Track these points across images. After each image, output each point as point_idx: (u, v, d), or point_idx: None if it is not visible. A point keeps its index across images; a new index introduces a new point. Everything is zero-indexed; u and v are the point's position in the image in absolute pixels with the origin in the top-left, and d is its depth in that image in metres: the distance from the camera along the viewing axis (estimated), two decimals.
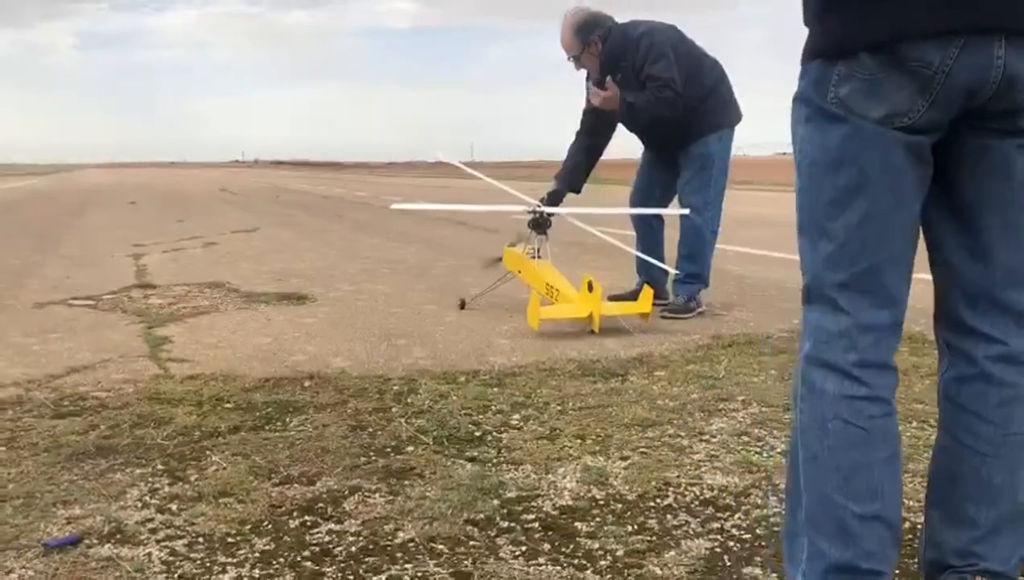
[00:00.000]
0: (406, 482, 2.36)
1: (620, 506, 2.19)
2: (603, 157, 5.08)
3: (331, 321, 4.68)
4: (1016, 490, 1.53)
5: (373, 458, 2.55)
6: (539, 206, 4.75)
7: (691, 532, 2.05)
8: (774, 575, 1.83)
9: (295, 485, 2.35)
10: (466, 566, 1.89)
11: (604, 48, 4.58)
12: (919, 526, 1.84)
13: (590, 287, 4.19)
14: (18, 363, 3.77)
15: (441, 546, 1.98)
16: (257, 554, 1.96)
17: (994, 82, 1.33)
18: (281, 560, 1.93)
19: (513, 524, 2.10)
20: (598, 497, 2.25)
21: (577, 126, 4.94)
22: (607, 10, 4.72)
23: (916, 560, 1.77)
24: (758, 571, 1.86)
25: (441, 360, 3.74)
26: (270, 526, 2.10)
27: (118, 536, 2.06)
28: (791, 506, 1.58)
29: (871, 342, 1.45)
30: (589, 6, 4.71)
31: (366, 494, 2.29)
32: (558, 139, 5.02)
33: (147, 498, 2.28)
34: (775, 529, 2.02)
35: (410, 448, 2.63)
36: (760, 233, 8.84)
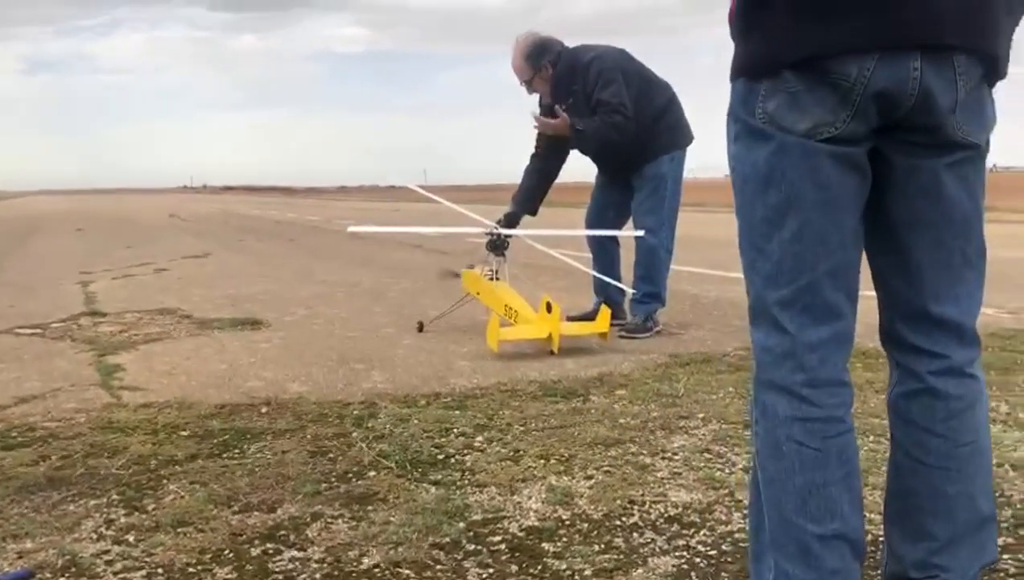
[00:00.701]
0: (369, 507, 2.33)
1: (586, 525, 2.19)
2: (557, 180, 5.12)
3: (287, 346, 4.62)
4: (972, 499, 1.54)
5: (335, 484, 2.52)
6: (496, 228, 4.77)
7: (657, 550, 2.04)
8: None
9: (256, 513, 2.30)
10: None
11: (554, 73, 4.63)
12: (881, 538, 1.87)
13: (548, 308, 4.20)
14: None
15: (407, 571, 1.96)
16: None
17: (912, 94, 1.35)
18: None
19: (479, 547, 2.08)
20: (564, 517, 2.24)
21: (532, 149, 4.97)
22: (558, 35, 4.77)
23: (880, 572, 1.79)
24: None
25: (401, 383, 3.72)
26: (231, 555, 2.05)
27: (72, 569, 2.00)
28: (755, 527, 1.59)
29: (818, 360, 1.45)
30: (539, 31, 4.76)
31: (329, 520, 2.25)
32: (511, 163, 5.04)
33: (102, 529, 2.21)
34: (740, 545, 2.03)
35: (372, 473, 2.59)
36: (714, 253, 8.94)
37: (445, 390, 3.57)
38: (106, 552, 2.08)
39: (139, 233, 16.54)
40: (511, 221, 4.84)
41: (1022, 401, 3.21)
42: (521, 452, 2.75)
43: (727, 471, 2.54)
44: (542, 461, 2.67)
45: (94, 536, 2.17)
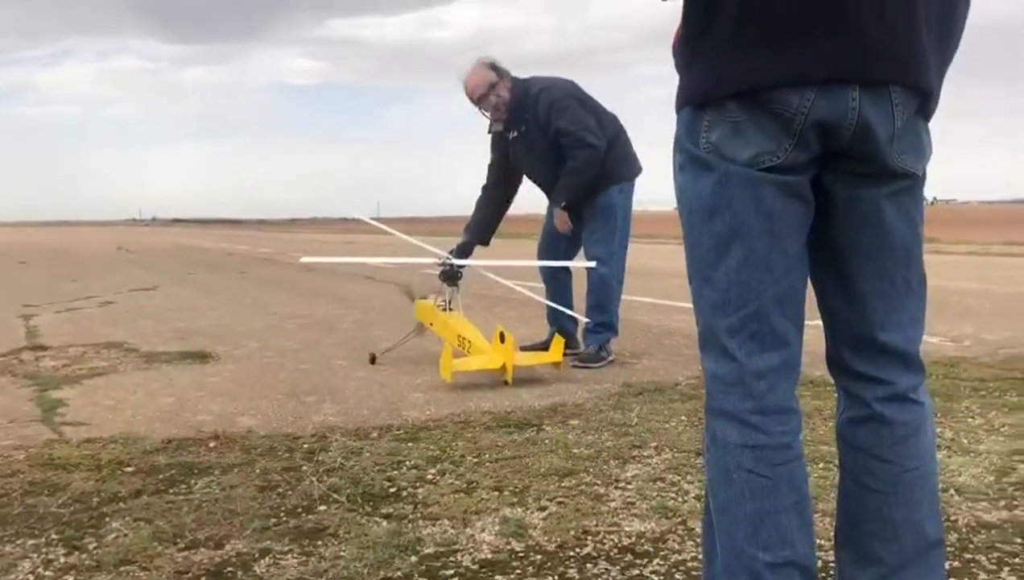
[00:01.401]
0: (319, 542, 2.28)
1: (540, 557, 2.17)
2: (509, 212, 5.15)
3: (236, 379, 4.55)
4: (919, 524, 1.56)
5: (284, 519, 2.46)
6: (449, 258, 4.76)
7: None
8: None
9: (202, 549, 2.24)
10: None
11: (511, 96, 4.64)
12: (832, 564, 1.88)
13: (502, 338, 4.19)
14: None
15: None
16: None
17: (851, 124, 1.38)
18: None
19: None
20: (517, 549, 2.22)
21: (484, 180, 4.99)
22: (510, 70, 4.80)
23: None
24: None
25: (353, 416, 3.67)
26: None
27: None
28: (708, 555, 1.59)
29: (766, 387, 1.46)
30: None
31: (278, 556, 2.20)
32: (466, 195, 5.06)
33: (41, 570, 2.14)
34: (694, 574, 2.03)
35: (322, 507, 2.55)
36: (665, 283, 9.04)
37: (397, 422, 3.53)
38: None
39: (85, 266, 16.22)
40: (464, 251, 4.84)
41: (965, 427, 3.28)
42: (474, 484, 2.73)
43: (680, 500, 2.54)
44: (495, 493, 2.65)
45: (32, 577, 2.10)
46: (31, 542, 2.31)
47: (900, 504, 1.54)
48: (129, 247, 26.30)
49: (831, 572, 1.89)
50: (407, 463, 2.94)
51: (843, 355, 1.57)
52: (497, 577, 2.06)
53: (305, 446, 3.18)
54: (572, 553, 2.19)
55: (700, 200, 1.46)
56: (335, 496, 2.63)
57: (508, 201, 5.05)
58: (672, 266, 12.00)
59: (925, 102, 1.45)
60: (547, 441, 3.20)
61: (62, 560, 2.20)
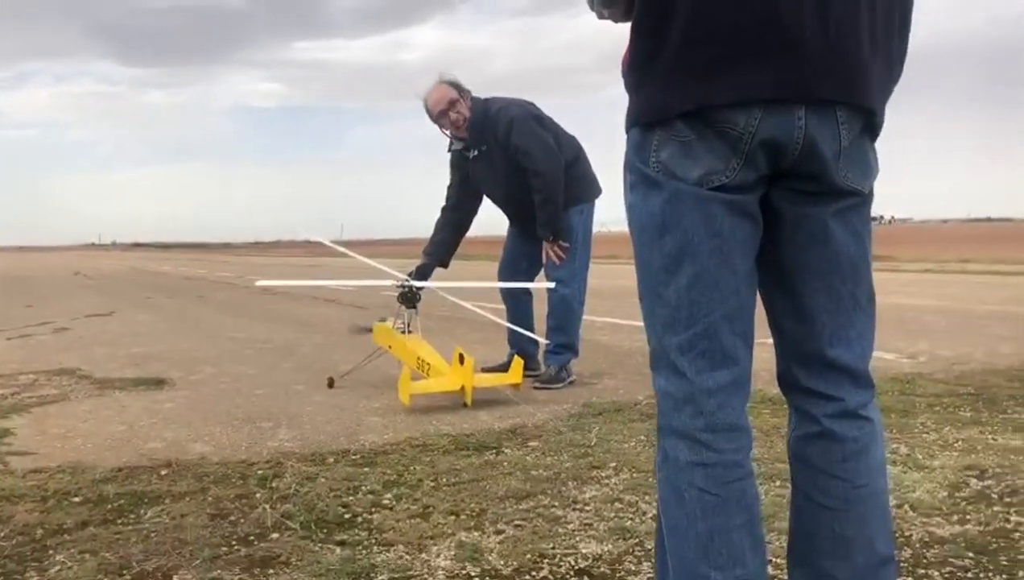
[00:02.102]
0: (271, 571, 2.23)
1: None
2: (469, 233, 5.14)
3: (191, 405, 4.46)
4: (871, 540, 1.56)
5: (235, 547, 2.41)
6: (407, 280, 4.73)
7: None
8: None
9: None
10: None
11: (469, 117, 4.64)
12: None
13: (461, 360, 4.16)
14: None
15: None
16: None
17: (798, 143, 1.39)
18: None
19: None
20: (473, 574, 2.19)
21: (443, 202, 4.98)
22: (475, 92, 4.80)
23: None
24: None
25: (309, 441, 3.61)
26: None
27: None
28: (660, 574, 1.58)
29: (716, 405, 1.46)
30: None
31: None
32: (430, 217, 5.04)
33: None
34: None
35: (275, 535, 2.50)
36: (626, 303, 9.05)
37: (354, 447, 3.48)
38: None
39: (41, 291, 15.92)
40: (423, 273, 4.82)
41: (921, 442, 3.31)
42: (431, 508, 2.69)
43: (637, 520, 2.53)
44: (452, 517, 2.61)
45: None
46: None
47: (852, 521, 1.55)
48: (87, 272, 25.89)
49: None
50: (363, 488, 2.90)
51: (793, 372, 1.57)
52: None
53: (259, 472, 3.12)
54: (528, 577, 2.17)
55: (650, 218, 1.46)
56: (288, 523, 2.58)
57: (467, 223, 5.04)
58: (634, 286, 11.99)
59: (870, 121, 1.46)
60: (506, 463, 3.17)
61: None
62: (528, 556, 2.28)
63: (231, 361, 6.04)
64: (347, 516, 2.64)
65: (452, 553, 2.32)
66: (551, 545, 2.36)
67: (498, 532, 2.48)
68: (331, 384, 4.82)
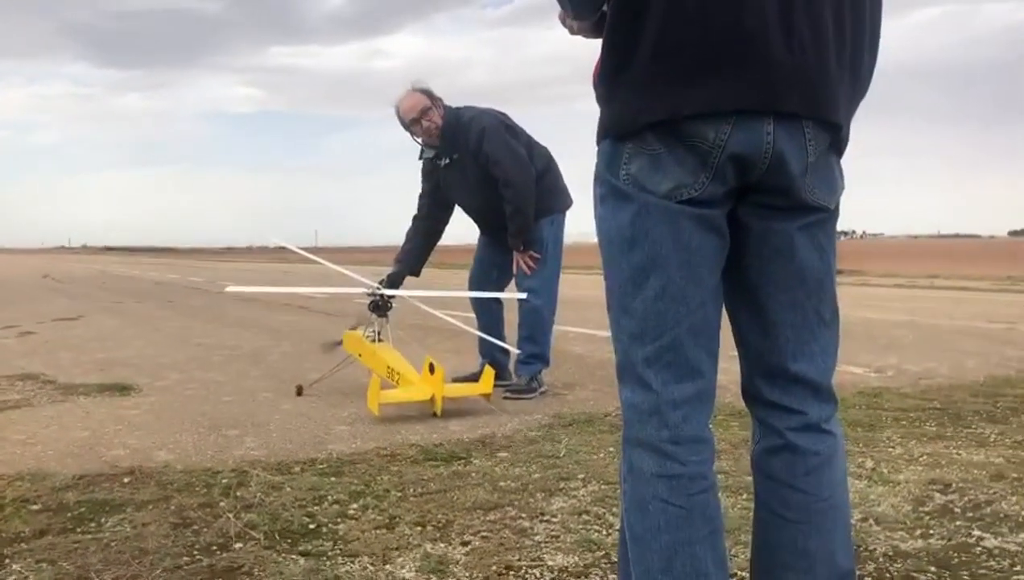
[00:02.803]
0: None
1: None
2: (441, 242, 5.13)
3: (156, 412, 4.40)
4: (832, 554, 1.57)
5: (197, 557, 2.37)
6: (378, 289, 4.71)
7: None
8: None
9: None
10: None
11: (442, 125, 4.64)
12: None
13: (431, 369, 4.14)
14: None
15: None
16: None
17: (766, 156, 1.41)
18: None
19: None
20: None
21: (415, 210, 4.97)
22: (451, 103, 4.80)
23: None
24: None
25: (275, 450, 3.58)
26: None
27: None
28: None
29: (681, 417, 1.47)
30: None
31: None
32: (404, 224, 5.02)
33: None
34: None
35: (238, 545, 2.46)
36: (598, 314, 9.07)
37: (321, 456, 3.45)
38: None
39: (7, 294, 15.68)
40: (394, 282, 4.79)
41: (886, 456, 3.33)
42: (397, 519, 2.67)
43: (604, 533, 2.52)
44: (418, 528, 2.59)
45: None
46: None
47: (813, 534, 1.56)
48: (55, 275, 25.55)
49: None
50: (329, 498, 2.87)
51: (756, 385, 1.58)
52: None
53: (224, 481, 3.08)
54: None
55: (619, 231, 1.47)
56: (252, 533, 2.54)
57: (439, 231, 5.03)
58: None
59: (836, 137, 1.48)
60: (474, 474, 3.15)
61: None
62: (494, 568, 2.27)
63: (199, 367, 5.98)
64: (312, 526, 2.61)
65: (417, 564, 2.30)
66: (517, 557, 2.35)
67: (464, 543, 2.46)
68: (300, 392, 4.78)
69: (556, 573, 2.24)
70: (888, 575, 2.20)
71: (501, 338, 4.91)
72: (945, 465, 3.20)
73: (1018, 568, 2.24)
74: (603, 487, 2.96)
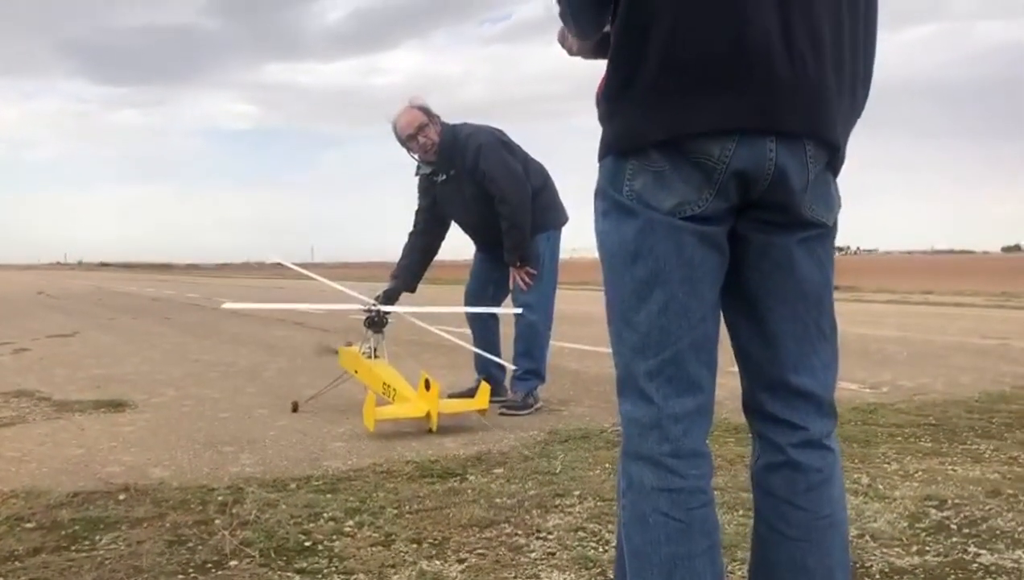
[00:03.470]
0: None
1: None
2: (438, 257, 5.14)
3: (151, 429, 4.39)
4: (830, 572, 1.57)
5: (192, 575, 2.37)
6: (374, 305, 4.71)
7: None
8: None
9: None
10: None
11: (439, 142, 4.66)
12: None
13: (427, 385, 4.14)
14: None
15: None
16: None
17: (768, 172, 1.42)
18: None
19: None
20: None
21: (411, 226, 4.98)
22: (447, 119, 4.82)
23: None
24: None
25: (271, 466, 3.57)
26: None
27: None
28: None
29: (682, 431, 1.47)
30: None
31: None
32: (401, 240, 5.03)
33: None
34: None
35: (233, 562, 2.46)
36: (595, 330, 9.08)
37: (317, 472, 3.44)
38: None
39: (1, 311, 15.64)
40: (390, 298, 4.80)
41: (882, 472, 3.33)
42: (393, 536, 2.66)
43: (600, 549, 2.52)
44: (414, 545, 2.59)
45: None
46: None
47: (813, 551, 1.56)
48: (50, 291, 25.51)
49: None
50: (325, 515, 2.86)
51: (758, 398, 1.59)
52: None
53: (219, 498, 3.07)
54: None
55: (623, 245, 1.48)
56: (247, 551, 2.54)
57: (435, 247, 5.04)
58: (602, 312, 12.04)
59: (833, 156, 1.50)
60: (470, 491, 3.15)
61: None
62: None
63: (194, 384, 5.97)
64: (308, 543, 2.60)
65: None
66: (513, 574, 2.34)
67: (460, 561, 2.46)
68: (295, 408, 4.78)
69: None
70: None
71: (497, 354, 4.91)
72: (941, 481, 3.20)
73: None
74: (599, 504, 2.96)
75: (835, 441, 1.60)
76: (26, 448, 3.96)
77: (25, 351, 8.29)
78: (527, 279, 4.68)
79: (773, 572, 1.59)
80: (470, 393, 4.54)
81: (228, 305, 5.63)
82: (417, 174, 4.89)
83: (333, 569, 2.40)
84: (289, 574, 2.36)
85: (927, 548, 2.51)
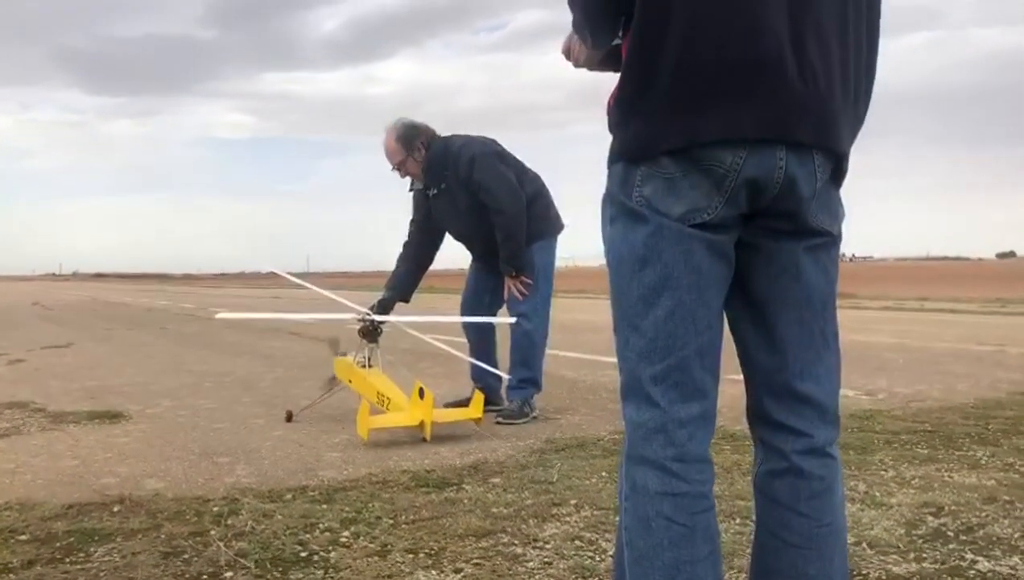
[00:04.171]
0: None
1: None
2: (433, 267, 5.14)
3: (147, 440, 4.38)
4: (830, 579, 1.57)
5: None
6: (368, 314, 4.71)
7: None
8: None
9: None
10: None
11: (427, 155, 4.69)
12: None
13: (421, 394, 4.14)
14: None
15: None
16: None
17: (778, 181, 1.44)
18: None
19: None
20: None
21: (405, 237, 4.98)
22: (443, 128, 4.84)
23: None
24: None
25: (266, 477, 3.56)
26: None
27: None
28: None
29: (687, 436, 1.48)
30: (410, 117, 4.84)
31: None
32: (396, 250, 5.04)
33: None
34: None
35: (229, 574, 2.45)
36: (591, 338, 9.09)
37: (313, 483, 3.43)
38: None
39: None
40: (384, 307, 4.80)
41: (879, 480, 3.33)
42: (389, 547, 2.65)
43: (597, 559, 2.51)
44: (410, 555, 2.58)
45: None
46: None
47: (814, 559, 1.56)
48: (45, 302, 25.46)
49: None
50: (320, 526, 2.85)
51: (763, 404, 1.59)
52: None
53: (215, 509, 3.06)
54: None
55: (632, 251, 1.49)
56: (242, 562, 2.52)
57: (429, 258, 5.04)
58: (599, 320, 12.11)
59: (838, 167, 1.52)
60: (466, 500, 3.14)
61: None
62: None
63: (190, 394, 5.95)
64: (303, 554, 2.59)
65: None
66: None
67: (457, 571, 2.45)
68: (289, 418, 4.77)
69: None
70: None
71: (493, 363, 4.91)
72: (937, 488, 3.20)
73: None
74: (596, 513, 2.95)
75: (836, 449, 1.60)
76: (20, 460, 3.94)
77: (20, 362, 8.27)
78: (522, 289, 4.68)
79: (773, 579, 1.59)
80: (466, 402, 4.53)
81: (222, 315, 5.62)
82: (411, 189, 4.92)
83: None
84: None
85: (924, 555, 2.50)
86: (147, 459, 3.92)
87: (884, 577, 2.34)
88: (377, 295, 4.97)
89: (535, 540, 2.70)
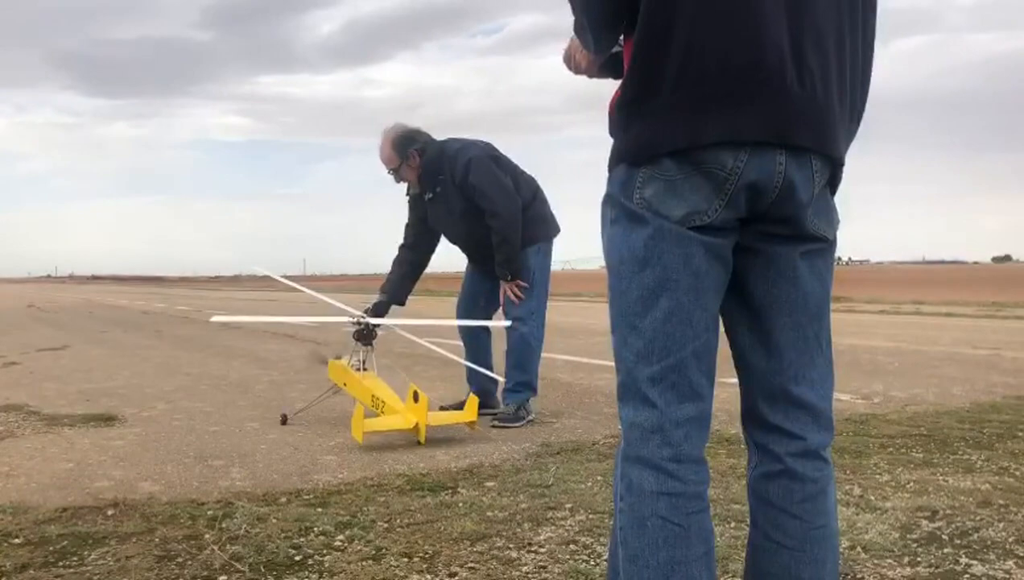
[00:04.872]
0: None
1: None
2: (430, 270, 5.14)
3: (141, 443, 4.37)
4: None
5: None
6: (363, 317, 4.71)
7: None
8: None
9: None
10: None
11: (422, 161, 4.70)
12: None
13: (416, 397, 4.13)
14: None
15: None
16: None
17: (777, 185, 1.45)
18: None
19: None
20: None
21: (400, 240, 4.99)
22: (440, 132, 4.88)
23: None
24: None
25: (261, 480, 3.55)
26: None
27: None
28: None
29: (683, 436, 1.49)
30: (407, 122, 4.85)
31: None
32: (393, 253, 5.04)
33: None
34: None
35: (223, 577, 2.44)
36: (587, 341, 9.09)
37: (308, 486, 3.43)
38: None
39: None
40: (379, 310, 4.80)
41: (874, 484, 3.33)
42: (384, 550, 2.65)
43: (592, 563, 2.51)
44: (405, 559, 2.57)
45: None
46: None
47: (807, 562, 1.57)
48: (40, 305, 25.40)
49: None
50: (315, 529, 2.85)
51: (758, 407, 1.60)
52: None
53: (209, 513, 3.05)
54: None
55: (632, 252, 1.50)
56: (236, 565, 2.52)
57: (425, 261, 5.04)
58: (595, 324, 12.12)
59: (834, 173, 1.53)
60: (461, 504, 3.14)
61: None
62: None
63: (185, 397, 5.94)
64: (298, 558, 2.59)
65: None
66: None
67: (451, 575, 2.44)
68: (284, 421, 4.76)
69: None
70: None
71: (488, 366, 4.91)
72: (932, 492, 3.21)
73: None
74: (591, 516, 2.95)
75: (829, 453, 1.61)
76: (15, 462, 3.93)
77: (15, 365, 8.25)
78: (518, 292, 4.68)
79: None
80: (461, 405, 4.53)
81: (217, 318, 5.61)
82: (408, 194, 4.92)
83: None
84: None
85: (919, 559, 2.51)
86: (142, 462, 3.91)
87: None
88: (373, 298, 4.98)
89: (530, 544, 2.69)
